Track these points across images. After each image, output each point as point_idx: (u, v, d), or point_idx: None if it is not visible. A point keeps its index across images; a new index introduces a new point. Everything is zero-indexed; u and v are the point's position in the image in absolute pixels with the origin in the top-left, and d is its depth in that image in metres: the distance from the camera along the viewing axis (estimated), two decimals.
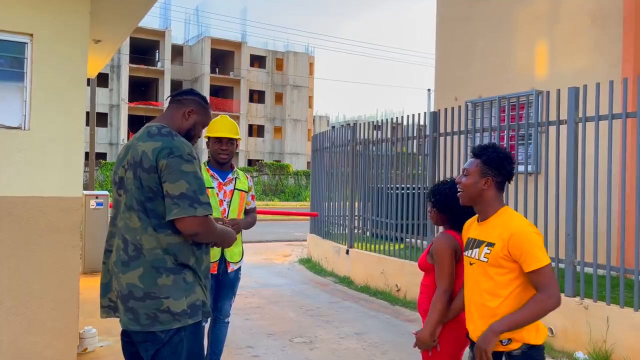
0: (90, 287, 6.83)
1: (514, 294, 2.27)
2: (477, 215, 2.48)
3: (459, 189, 2.44)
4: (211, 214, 2.23)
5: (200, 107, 2.47)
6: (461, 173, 2.45)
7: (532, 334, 2.28)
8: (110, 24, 5.26)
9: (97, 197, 8.15)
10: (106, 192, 8.55)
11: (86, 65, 4.16)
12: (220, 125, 3.75)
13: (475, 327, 2.36)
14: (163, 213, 2.18)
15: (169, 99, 2.50)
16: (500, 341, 2.25)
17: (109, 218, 2.44)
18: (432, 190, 2.85)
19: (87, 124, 11.14)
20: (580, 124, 5.19)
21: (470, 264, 2.41)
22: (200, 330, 2.28)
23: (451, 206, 2.71)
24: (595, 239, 4.95)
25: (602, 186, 5.04)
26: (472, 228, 2.49)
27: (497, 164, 2.34)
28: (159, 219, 2.19)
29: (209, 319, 2.94)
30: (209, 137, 3.78)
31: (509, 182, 2.42)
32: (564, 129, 5.35)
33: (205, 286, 2.34)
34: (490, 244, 2.29)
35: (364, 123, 8.54)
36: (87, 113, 9.56)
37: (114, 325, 4.92)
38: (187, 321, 2.19)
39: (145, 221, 2.19)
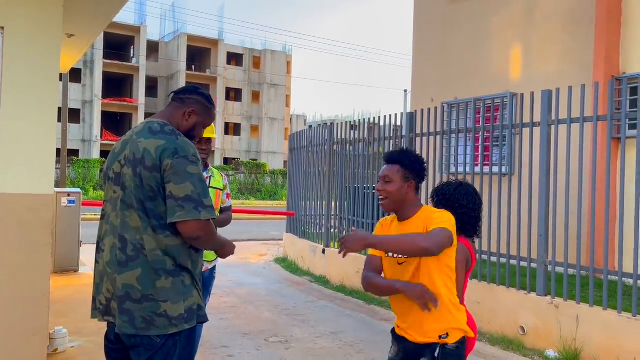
0: (61, 287, 6.71)
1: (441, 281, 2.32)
2: (394, 215, 2.50)
3: (381, 197, 2.45)
4: (214, 218, 2.17)
5: (203, 108, 2.36)
6: (381, 181, 2.45)
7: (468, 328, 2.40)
8: (84, 18, 5.17)
9: (68, 195, 7.99)
10: (78, 190, 8.39)
11: (59, 60, 4.07)
12: None
13: (401, 321, 2.44)
14: (163, 214, 2.10)
15: (171, 95, 2.38)
16: (439, 336, 2.31)
17: (100, 214, 2.29)
18: (437, 190, 2.87)
19: (59, 120, 10.91)
20: (553, 127, 5.29)
21: (399, 264, 2.39)
22: (193, 335, 2.21)
23: (454, 207, 2.73)
24: (566, 239, 5.04)
25: (574, 187, 5.15)
26: (392, 227, 2.49)
27: (417, 168, 2.43)
28: (159, 220, 2.10)
29: None
30: None
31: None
32: (537, 131, 5.45)
33: (201, 289, 2.27)
34: None
35: (342, 123, 8.57)
36: (59, 109, 9.36)
37: (85, 325, 4.84)
38: (184, 326, 2.12)
39: (144, 221, 2.10)
